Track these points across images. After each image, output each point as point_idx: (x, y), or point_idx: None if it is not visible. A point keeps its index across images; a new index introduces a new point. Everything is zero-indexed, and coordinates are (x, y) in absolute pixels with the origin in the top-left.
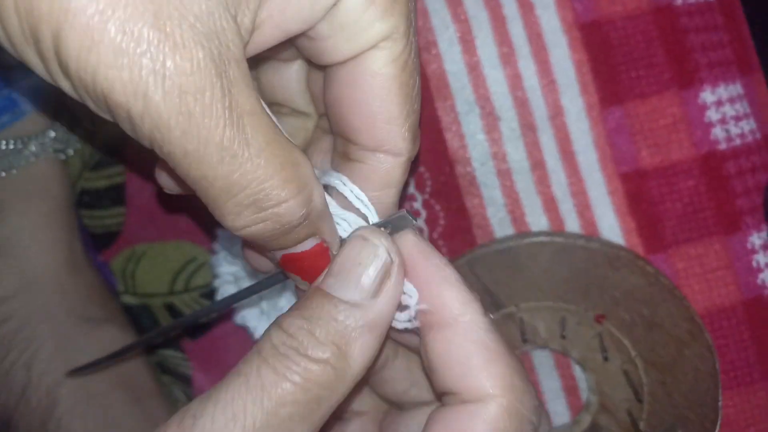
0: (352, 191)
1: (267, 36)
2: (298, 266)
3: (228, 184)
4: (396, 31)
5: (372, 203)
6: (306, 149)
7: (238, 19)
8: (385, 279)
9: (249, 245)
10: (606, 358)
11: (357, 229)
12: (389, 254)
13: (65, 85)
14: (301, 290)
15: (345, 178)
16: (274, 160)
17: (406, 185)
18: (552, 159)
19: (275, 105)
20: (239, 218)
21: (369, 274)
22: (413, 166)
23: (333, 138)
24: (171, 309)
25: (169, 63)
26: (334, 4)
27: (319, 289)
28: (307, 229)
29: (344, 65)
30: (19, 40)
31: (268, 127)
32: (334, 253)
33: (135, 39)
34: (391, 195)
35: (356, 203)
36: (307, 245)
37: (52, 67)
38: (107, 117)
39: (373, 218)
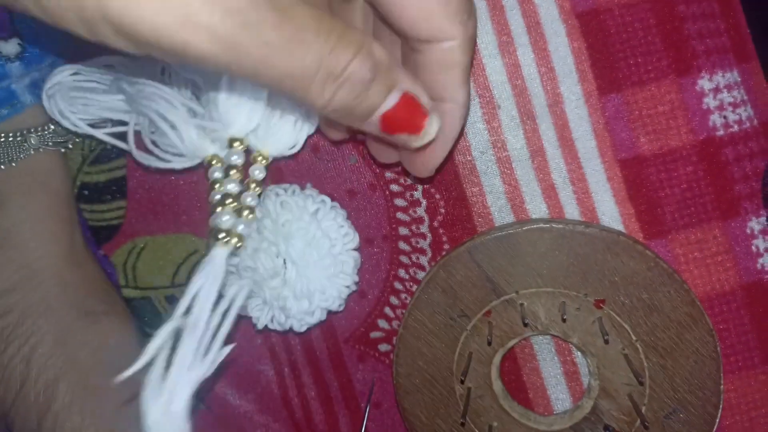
0: None
1: None
2: (397, 125)
3: (302, 72)
4: None
5: (438, 86)
6: None
7: None
8: None
9: (353, 129)
10: (607, 341)
11: None
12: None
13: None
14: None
15: None
16: (327, 36)
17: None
18: (551, 147)
19: None
20: (324, 95)
21: None
22: None
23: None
24: (173, 301)
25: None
26: None
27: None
28: (383, 83)
29: None
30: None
31: (311, 11)
32: (423, 103)
33: None
34: (454, 76)
35: None
36: (393, 99)
37: (96, 28)
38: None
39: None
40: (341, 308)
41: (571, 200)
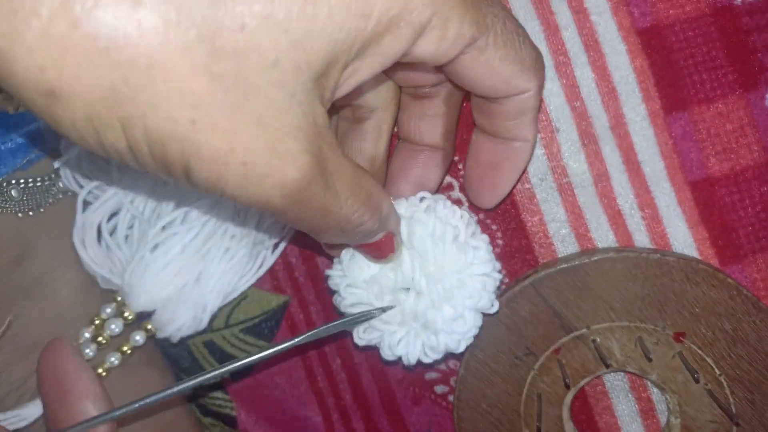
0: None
1: (345, 90)
2: (369, 250)
3: (323, 226)
4: (480, 32)
5: (510, 128)
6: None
7: (324, 98)
8: None
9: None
10: (697, 380)
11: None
12: None
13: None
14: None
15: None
16: (356, 200)
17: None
18: (616, 171)
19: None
20: (332, 239)
21: None
22: None
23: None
24: (211, 347)
25: (288, 176)
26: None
27: None
28: (380, 230)
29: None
30: (147, 161)
31: (351, 174)
32: (397, 241)
33: (256, 167)
34: (527, 119)
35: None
36: (377, 238)
37: (180, 182)
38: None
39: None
40: (495, 307)
41: (639, 227)
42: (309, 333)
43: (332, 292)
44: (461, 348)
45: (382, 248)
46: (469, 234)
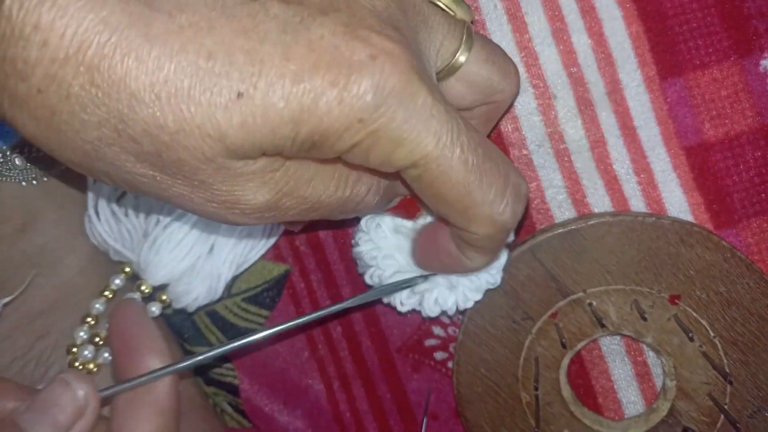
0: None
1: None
2: (397, 211)
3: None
4: (423, 157)
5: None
6: None
7: None
8: (78, 419)
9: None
10: (691, 338)
11: (60, 373)
12: (86, 398)
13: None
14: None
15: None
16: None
17: None
18: (612, 136)
19: None
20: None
21: (65, 413)
22: None
23: None
24: (213, 316)
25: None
26: None
27: (17, 425)
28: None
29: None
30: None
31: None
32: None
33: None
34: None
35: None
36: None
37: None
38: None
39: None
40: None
41: (635, 192)
42: (352, 299)
43: (362, 267)
44: (498, 280)
45: (405, 205)
46: None
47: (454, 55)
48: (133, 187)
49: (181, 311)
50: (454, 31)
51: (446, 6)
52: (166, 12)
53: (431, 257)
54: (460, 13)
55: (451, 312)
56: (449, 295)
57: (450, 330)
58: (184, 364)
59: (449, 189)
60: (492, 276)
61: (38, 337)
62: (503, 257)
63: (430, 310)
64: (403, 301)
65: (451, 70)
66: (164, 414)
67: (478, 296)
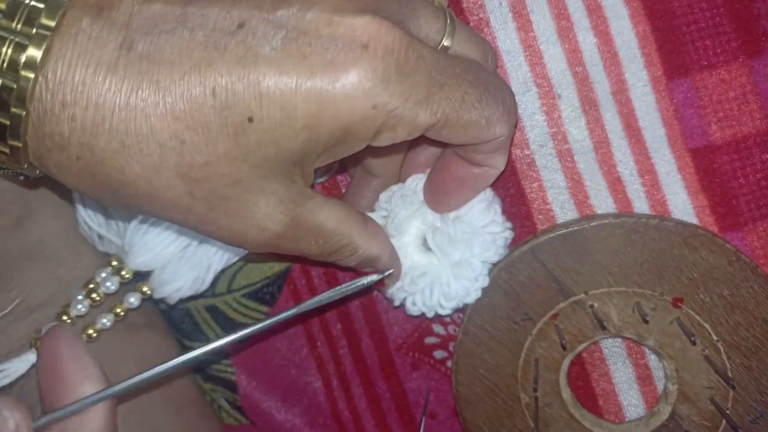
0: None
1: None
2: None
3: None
4: (436, 119)
5: (482, 160)
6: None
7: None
8: None
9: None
10: (694, 342)
11: None
12: (17, 426)
13: None
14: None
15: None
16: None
17: None
18: (616, 137)
19: None
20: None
21: None
22: None
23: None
24: (213, 311)
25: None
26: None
27: None
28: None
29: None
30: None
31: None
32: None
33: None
34: (500, 153)
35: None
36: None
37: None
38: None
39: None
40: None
41: (639, 193)
42: (331, 291)
43: None
44: (471, 298)
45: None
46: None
47: (441, 39)
48: (175, 222)
49: (181, 307)
50: (437, 15)
51: None
52: (168, 62)
53: (440, 190)
54: (438, 1)
55: (427, 313)
56: (429, 295)
57: (450, 328)
58: (125, 384)
59: (471, 126)
60: (464, 289)
61: (35, 330)
62: (478, 274)
63: (412, 305)
64: (394, 295)
65: None
66: None
67: (450, 304)
